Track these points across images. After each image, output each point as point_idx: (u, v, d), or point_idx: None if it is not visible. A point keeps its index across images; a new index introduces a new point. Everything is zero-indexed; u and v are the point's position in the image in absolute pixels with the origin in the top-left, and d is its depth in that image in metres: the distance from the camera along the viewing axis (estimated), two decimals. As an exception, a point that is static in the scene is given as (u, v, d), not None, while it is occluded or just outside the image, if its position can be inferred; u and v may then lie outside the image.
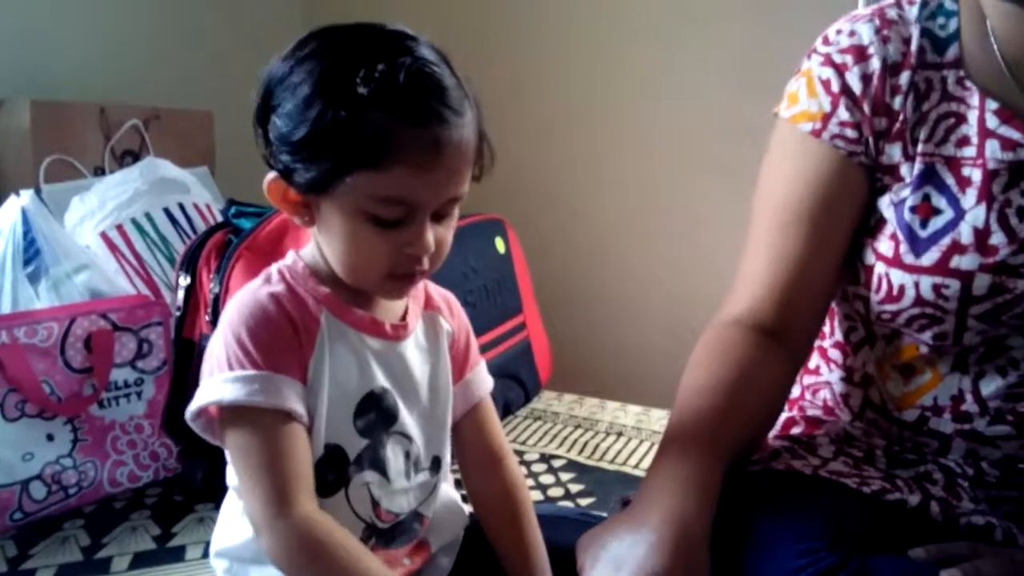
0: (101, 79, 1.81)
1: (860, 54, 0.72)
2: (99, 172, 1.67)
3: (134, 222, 1.50)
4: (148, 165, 1.59)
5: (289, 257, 0.69)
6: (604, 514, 0.88)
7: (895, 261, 0.71)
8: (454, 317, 0.76)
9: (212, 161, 1.82)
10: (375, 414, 0.67)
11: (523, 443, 1.35)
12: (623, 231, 1.81)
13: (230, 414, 0.61)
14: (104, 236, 1.47)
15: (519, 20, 1.89)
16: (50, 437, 1.15)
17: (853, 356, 0.79)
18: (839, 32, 0.74)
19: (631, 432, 1.39)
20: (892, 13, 0.72)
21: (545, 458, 1.30)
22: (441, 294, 0.76)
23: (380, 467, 0.67)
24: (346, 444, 0.66)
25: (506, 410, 1.43)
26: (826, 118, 0.73)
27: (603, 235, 1.83)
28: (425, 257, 0.63)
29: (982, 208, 0.68)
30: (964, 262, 0.68)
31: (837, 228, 0.73)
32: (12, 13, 1.69)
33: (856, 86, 0.72)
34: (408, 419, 0.69)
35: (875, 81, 0.71)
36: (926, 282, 0.69)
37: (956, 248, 0.68)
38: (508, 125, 1.84)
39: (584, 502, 1.15)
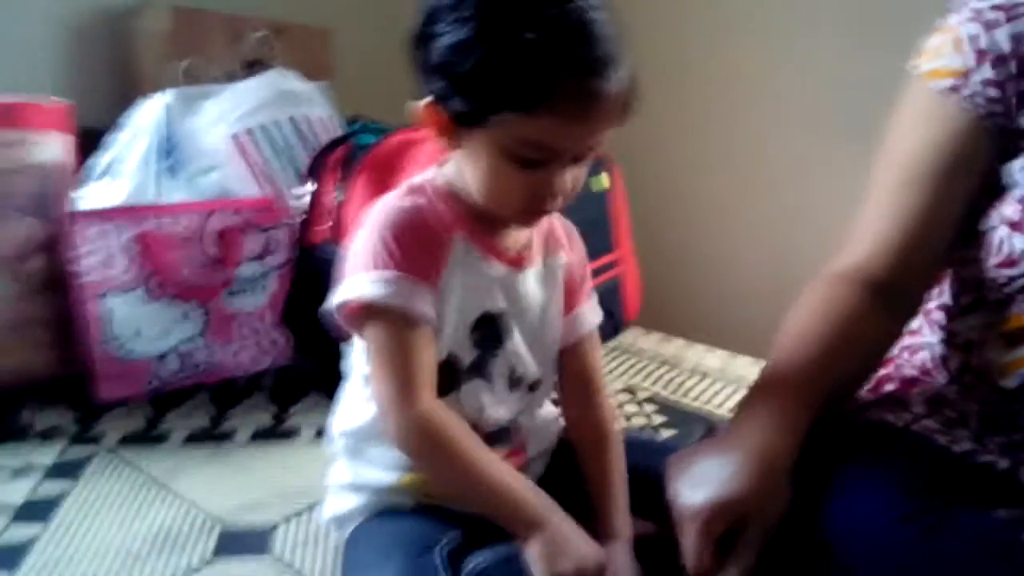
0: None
1: (1013, 11, 0.71)
2: (229, 78, 1.76)
3: (262, 128, 1.59)
4: (275, 76, 1.67)
5: (431, 172, 0.74)
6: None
7: (1019, 225, 0.71)
8: (574, 251, 0.81)
9: (331, 76, 1.90)
10: (489, 331, 0.74)
11: (609, 374, 1.41)
12: (727, 178, 1.82)
13: (370, 311, 0.68)
14: (235, 139, 1.56)
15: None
16: (185, 316, 1.26)
17: (958, 320, 0.80)
18: None
19: (715, 374, 1.43)
20: None
21: (629, 389, 1.35)
22: (565, 227, 0.81)
23: (488, 378, 0.75)
24: (462, 353, 0.73)
25: (595, 340, 1.49)
26: (968, 74, 0.73)
27: (706, 180, 1.84)
28: (557, 197, 0.67)
29: None
30: None
31: (960, 189, 0.74)
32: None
33: (1005, 44, 0.71)
34: (518, 340, 0.75)
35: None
36: None
37: None
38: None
39: (665, 433, 1.20)
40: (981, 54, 0.72)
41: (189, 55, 1.72)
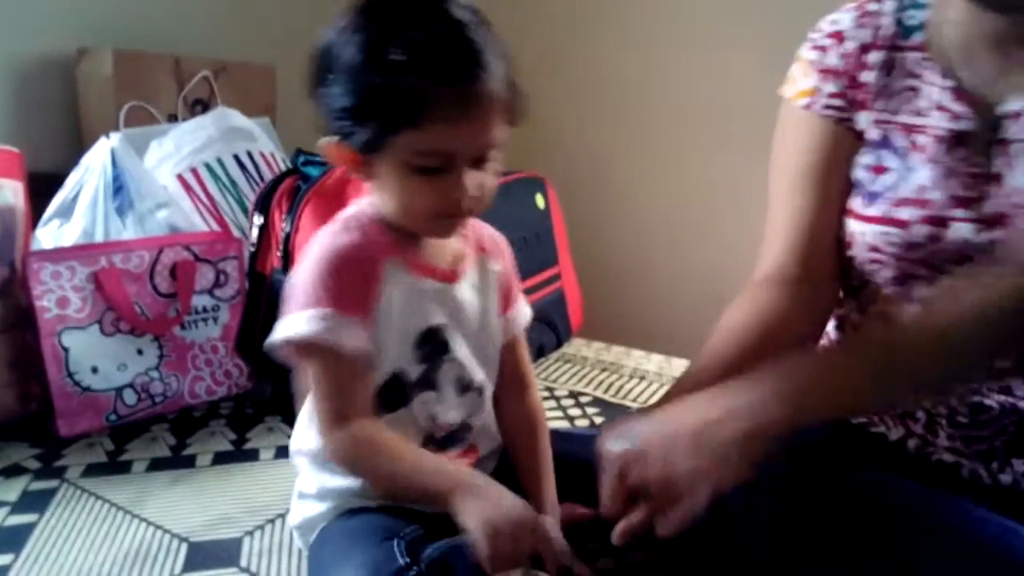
0: (174, 32, 1.94)
1: (839, 38, 0.85)
2: (172, 119, 1.81)
3: (207, 166, 1.64)
4: (219, 114, 1.73)
5: (357, 206, 0.80)
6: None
7: (853, 212, 0.83)
8: (503, 259, 0.88)
9: (273, 112, 1.96)
10: (432, 345, 0.80)
11: (554, 381, 1.49)
12: (654, 192, 1.92)
13: (305, 347, 0.73)
14: (180, 178, 1.61)
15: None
16: (140, 352, 1.31)
17: (843, 305, 0.91)
18: (825, 21, 0.87)
19: (653, 377, 1.52)
20: (872, 7, 0.85)
21: (573, 395, 1.43)
22: (492, 237, 0.88)
23: (436, 387, 0.81)
24: (408, 369, 0.79)
25: (540, 352, 1.57)
26: (816, 92, 0.86)
27: (636, 195, 1.95)
28: (465, 199, 0.73)
29: (927, 167, 0.79)
30: (905, 212, 0.79)
31: (837, 183, 0.85)
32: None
33: (834, 62, 0.85)
34: (460, 348, 0.81)
35: (850, 59, 0.84)
36: (873, 230, 0.81)
37: (901, 201, 0.80)
38: (551, 90, 1.96)
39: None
40: (821, 74, 0.85)
41: (133, 97, 1.76)
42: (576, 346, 1.67)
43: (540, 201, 1.58)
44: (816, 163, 0.85)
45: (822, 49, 0.86)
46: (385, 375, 0.78)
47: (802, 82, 0.87)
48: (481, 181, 0.73)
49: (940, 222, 0.78)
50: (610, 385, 1.48)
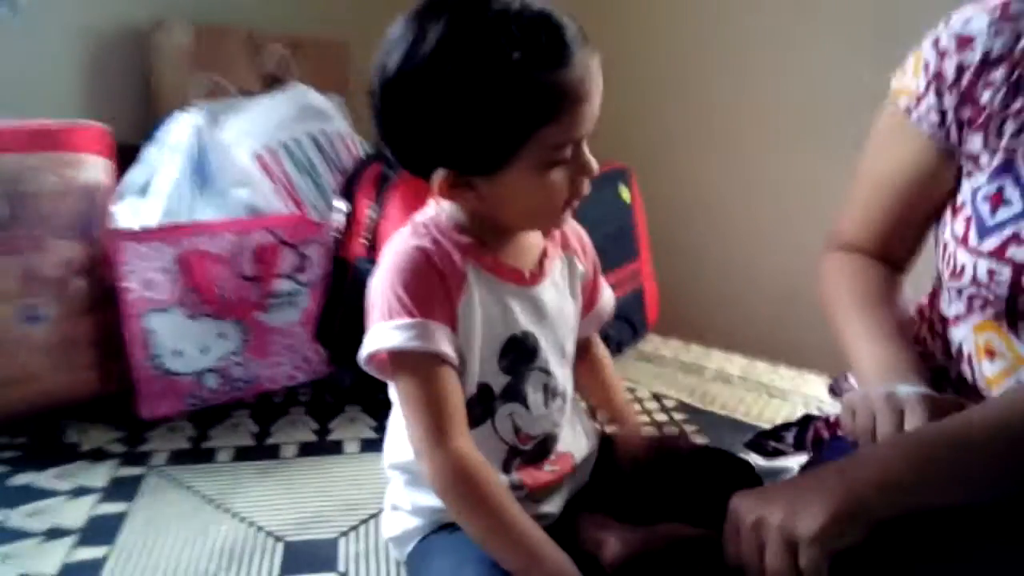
0: (249, 5, 1.91)
1: (965, 43, 0.75)
2: (245, 93, 1.78)
3: (285, 147, 1.61)
4: (295, 92, 1.70)
5: (431, 208, 0.75)
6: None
7: (963, 241, 0.76)
8: (587, 255, 0.83)
9: (346, 90, 1.92)
10: (517, 354, 0.75)
11: (635, 381, 1.45)
12: (737, 185, 1.86)
13: (394, 358, 0.70)
14: (259, 158, 1.58)
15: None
16: (222, 335, 1.28)
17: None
18: (959, 16, 0.77)
19: (737, 381, 1.47)
20: (1016, 8, 0.74)
21: (657, 397, 1.39)
22: (576, 233, 0.83)
23: (522, 399, 0.76)
24: (492, 381, 0.75)
25: (618, 348, 1.52)
26: (919, 99, 0.79)
27: (719, 189, 1.88)
28: (594, 175, 0.70)
29: None
30: (1019, 254, 0.72)
31: (921, 204, 0.81)
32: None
33: (950, 74, 0.76)
34: (547, 355, 0.77)
35: (968, 73, 0.75)
36: (983, 265, 0.74)
37: (1015, 239, 0.73)
38: (638, 79, 1.90)
39: (698, 441, 1.24)
40: (930, 81, 0.77)
41: (210, 70, 1.74)
42: (654, 343, 1.62)
43: (625, 193, 1.53)
44: (902, 178, 0.81)
45: (942, 52, 0.77)
46: (472, 390, 0.74)
47: (910, 79, 0.80)
48: (592, 158, 0.70)
49: None
50: (693, 389, 1.43)
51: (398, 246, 0.72)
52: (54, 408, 1.19)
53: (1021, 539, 0.69)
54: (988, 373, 0.79)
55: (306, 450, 1.16)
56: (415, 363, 0.69)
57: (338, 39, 1.94)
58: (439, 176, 0.68)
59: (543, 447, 0.80)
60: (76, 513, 0.98)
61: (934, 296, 0.88)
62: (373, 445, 1.15)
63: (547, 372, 0.78)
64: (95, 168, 1.23)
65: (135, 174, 1.46)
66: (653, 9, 1.92)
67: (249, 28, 1.80)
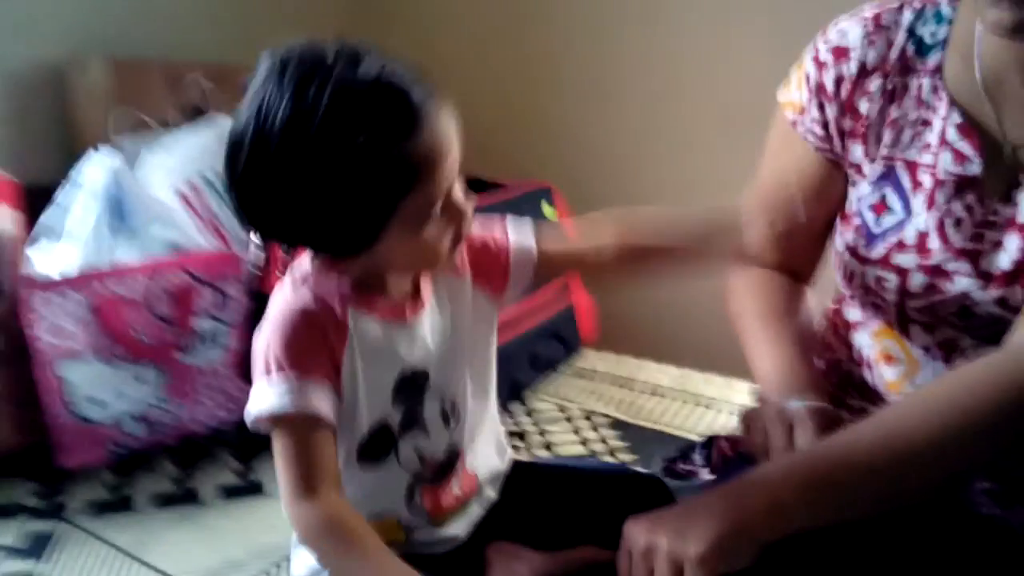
0: (167, 35, 1.89)
1: (842, 55, 0.78)
2: (165, 125, 1.76)
3: (206, 180, 1.59)
4: (217, 122, 1.68)
5: (308, 260, 0.73)
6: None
7: (852, 250, 0.78)
8: (460, 261, 0.78)
9: (272, 117, 1.91)
10: (410, 387, 0.74)
11: (567, 400, 1.45)
12: (665, 198, 1.87)
13: (268, 419, 0.68)
14: (181, 193, 1.56)
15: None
16: (140, 379, 1.27)
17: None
18: (835, 29, 0.79)
19: (668, 392, 1.48)
20: (887, 18, 0.77)
21: (588, 415, 1.40)
22: None
23: (421, 426, 0.75)
24: (389, 418, 0.74)
25: (549, 365, 1.53)
26: (803, 111, 0.80)
27: (647, 201, 1.89)
28: (469, 215, 0.70)
29: (928, 214, 0.74)
30: (904, 260, 0.74)
31: (815, 214, 0.82)
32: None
33: (829, 86, 0.78)
34: (439, 379, 0.76)
35: (846, 84, 0.77)
36: (871, 273, 0.76)
37: (900, 246, 0.75)
38: (558, 94, 1.90)
39: (624, 458, 1.25)
40: (812, 94, 0.79)
41: (129, 105, 1.71)
42: (589, 359, 1.63)
43: (548, 211, 1.53)
44: (796, 187, 0.82)
45: (821, 65, 0.79)
46: (366, 430, 0.73)
47: (795, 92, 0.82)
48: (463, 193, 0.70)
49: (940, 273, 0.73)
50: (626, 403, 1.44)
51: (279, 303, 0.71)
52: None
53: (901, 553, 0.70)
54: (888, 378, 0.81)
55: (227, 493, 1.15)
56: (289, 423, 0.68)
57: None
58: (310, 266, 0.69)
59: (448, 465, 0.80)
60: (-18, 575, 0.96)
61: (840, 302, 0.89)
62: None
63: (443, 392, 0.77)
64: (3, 218, 1.21)
65: (50, 217, 1.43)
66: (576, 17, 1.93)
67: (168, 60, 1.78)
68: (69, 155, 1.66)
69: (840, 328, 0.88)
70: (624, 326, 1.75)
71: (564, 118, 1.90)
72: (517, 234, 0.83)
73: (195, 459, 1.25)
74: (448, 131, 0.66)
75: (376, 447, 0.74)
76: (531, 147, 1.91)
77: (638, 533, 0.68)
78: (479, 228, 0.82)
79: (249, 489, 1.16)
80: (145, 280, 1.27)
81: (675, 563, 0.64)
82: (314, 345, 0.69)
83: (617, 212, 0.81)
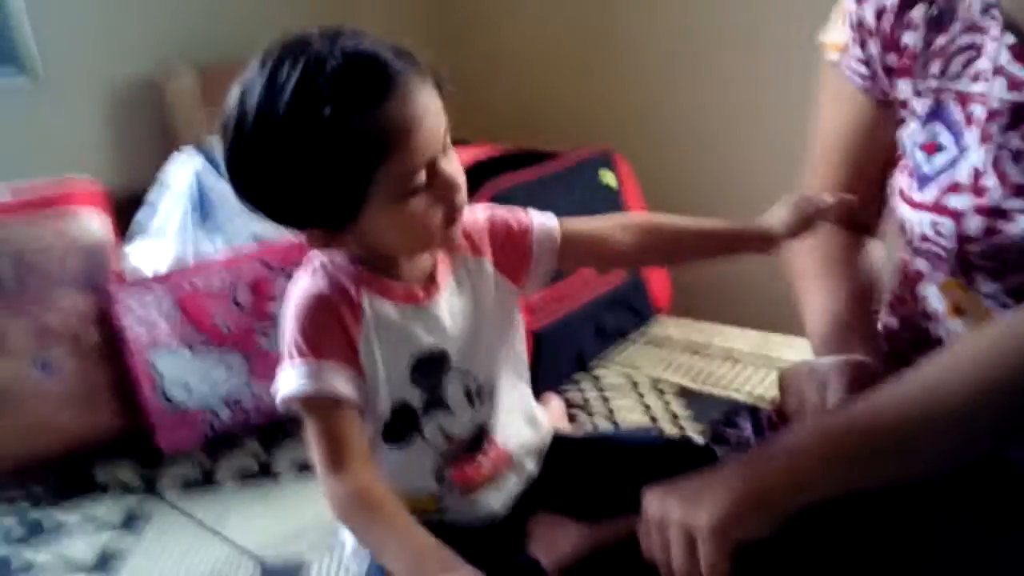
0: (247, 41, 1.98)
1: None
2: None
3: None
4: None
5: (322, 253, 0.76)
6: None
7: (904, 196, 0.73)
8: (481, 243, 0.80)
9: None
10: (428, 367, 0.77)
11: (635, 367, 1.43)
12: (735, 156, 1.80)
13: (295, 401, 0.73)
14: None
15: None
16: (229, 367, 1.36)
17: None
18: None
19: (746, 358, 1.43)
20: None
21: (654, 381, 1.37)
22: (470, 225, 0.80)
23: (445, 406, 0.78)
24: (410, 397, 0.77)
25: (621, 334, 1.51)
26: (844, 50, 0.77)
27: (716, 160, 1.83)
28: (460, 191, 0.71)
29: (983, 148, 0.68)
30: (958, 201, 0.69)
31: (870, 160, 0.79)
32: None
33: (870, 20, 0.74)
34: (461, 358, 0.78)
35: (888, 15, 0.72)
36: (925, 219, 0.71)
37: (955, 187, 0.69)
38: (621, 57, 1.86)
39: (689, 427, 1.22)
40: (853, 30, 0.75)
41: (218, 107, 1.82)
42: (664, 325, 1.59)
43: (608, 178, 1.50)
44: (846, 132, 0.79)
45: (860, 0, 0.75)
46: (387, 409, 0.76)
47: (836, 32, 0.78)
48: (455, 166, 0.71)
49: (999, 213, 0.67)
50: (697, 370, 1.40)
51: (297, 289, 0.75)
52: (82, 450, 1.30)
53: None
54: (961, 332, 0.76)
55: (300, 467, 1.23)
56: (312, 405, 0.73)
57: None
58: (305, 236, 0.72)
59: (475, 441, 0.81)
60: (88, 548, 1.08)
61: (908, 253, 0.84)
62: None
63: (465, 373, 0.79)
64: (92, 223, 1.33)
65: (143, 216, 1.56)
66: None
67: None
68: (166, 159, 1.79)
69: (911, 280, 0.83)
70: (702, 292, 1.70)
71: (634, 85, 1.86)
72: (541, 217, 0.83)
73: (277, 438, 1.33)
74: (422, 100, 0.67)
75: (399, 427, 0.77)
76: (604, 111, 1.88)
77: (652, 502, 0.67)
78: (503, 212, 0.83)
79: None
80: (227, 274, 1.36)
81: (687, 533, 0.63)
82: (330, 329, 0.73)
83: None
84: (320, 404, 0.72)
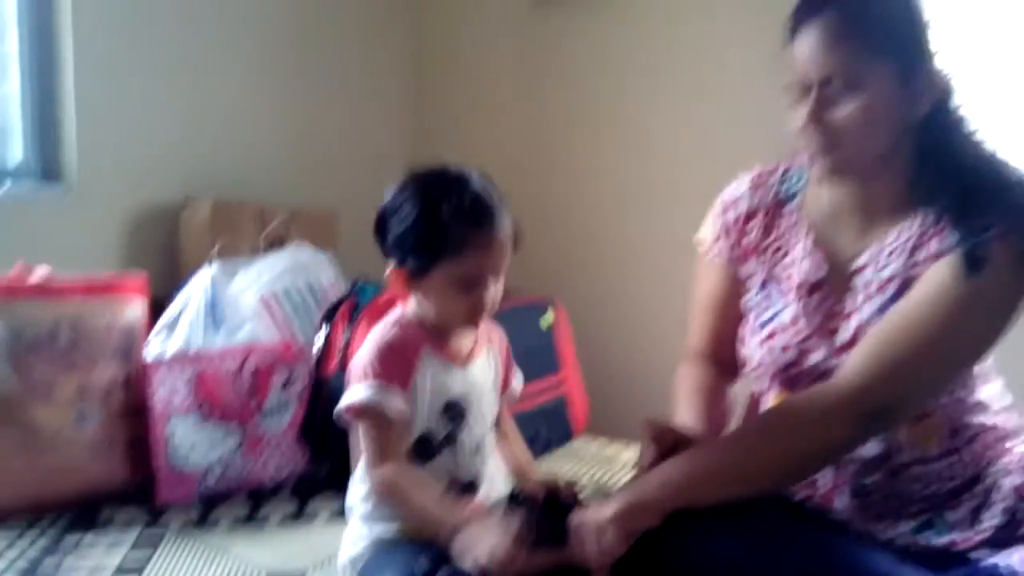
0: (258, 183, 2.38)
1: (733, 204, 1.15)
2: (254, 253, 2.21)
3: (284, 292, 2.03)
4: (293, 250, 2.13)
5: (400, 310, 1.12)
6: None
7: (747, 337, 1.12)
8: (502, 352, 1.18)
9: (334, 248, 2.36)
10: (454, 412, 1.08)
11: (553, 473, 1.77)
12: (656, 307, 2.23)
13: (360, 409, 1.03)
14: (263, 300, 1.99)
15: (575, 138, 2.38)
16: (225, 436, 1.64)
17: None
18: (732, 184, 1.17)
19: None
20: (765, 176, 1.15)
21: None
22: (498, 336, 1.18)
23: (457, 447, 1.08)
24: (435, 431, 1.07)
25: (546, 447, 1.86)
26: (713, 244, 1.17)
27: (640, 313, 2.25)
28: (488, 307, 1.05)
29: (794, 306, 1.07)
30: (780, 340, 1.07)
31: (729, 315, 1.17)
32: (199, 130, 2.29)
33: (726, 225, 1.15)
34: (474, 416, 1.10)
35: (739, 222, 1.14)
36: (759, 351, 1.09)
37: (777, 331, 1.08)
38: (564, 223, 2.31)
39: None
40: (718, 229, 1.17)
41: (225, 237, 2.17)
42: (581, 443, 1.96)
43: (546, 321, 1.92)
44: (715, 300, 1.18)
45: (721, 210, 1.17)
46: (418, 434, 1.06)
47: (707, 231, 1.19)
48: (496, 290, 1.06)
49: (803, 348, 1.06)
50: (607, 476, 1.76)
51: (377, 334, 1.08)
52: (92, 496, 1.53)
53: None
54: None
55: (288, 520, 1.49)
56: (372, 413, 1.03)
57: (328, 209, 2.40)
58: (392, 267, 1.05)
59: (470, 489, 1.10)
60: (112, 558, 1.31)
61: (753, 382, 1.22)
62: (341, 516, 1.46)
63: (474, 429, 1.09)
64: (136, 307, 1.64)
65: (166, 317, 1.86)
66: (578, 165, 2.37)
67: (258, 202, 2.26)
68: (178, 275, 2.10)
69: (755, 399, 1.23)
70: (618, 417, 2.06)
71: (574, 246, 2.29)
72: (519, 377, 1.22)
73: (264, 500, 1.60)
74: (499, 246, 1.03)
75: (422, 451, 1.06)
76: (550, 266, 2.28)
77: (576, 517, 1.01)
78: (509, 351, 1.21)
79: (306, 518, 1.49)
80: (236, 359, 1.67)
81: (597, 526, 0.98)
82: (397, 364, 1.04)
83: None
84: (378, 413, 1.01)
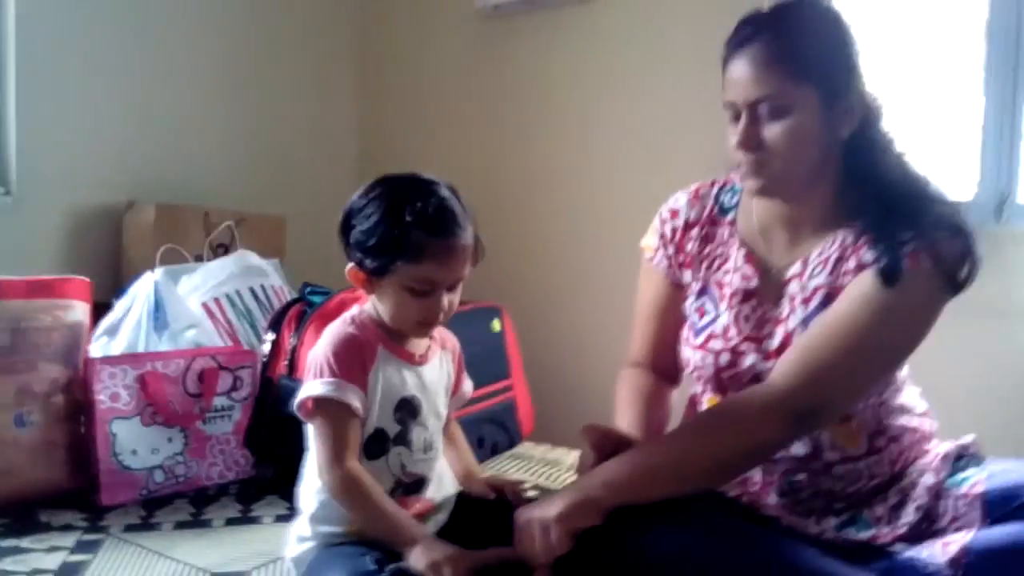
0: (204, 187, 2.37)
1: (675, 214, 1.22)
2: (199, 259, 2.20)
3: (227, 297, 2.02)
4: (239, 255, 2.13)
5: (357, 308, 1.14)
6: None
7: (686, 342, 1.19)
8: (455, 354, 1.22)
9: (283, 254, 2.36)
10: (406, 410, 1.11)
11: (502, 473, 1.81)
12: (595, 319, 2.30)
13: (315, 403, 1.05)
14: (205, 306, 1.98)
15: (521, 148, 2.44)
16: (169, 440, 1.63)
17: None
18: (673, 197, 1.23)
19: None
20: (703, 190, 1.22)
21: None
22: (451, 340, 1.22)
23: (407, 444, 1.11)
24: (387, 428, 1.10)
25: (493, 450, 1.89)
26: (655, 251, 1.23)
27: (582, 321, 2.31)
28: (440, 313, 1.08)
29: (728, 313, 1.14)
30: (715, 344, 1.14)
31: (669, 323, 1.23)
32: (144, 135, 2.27)
33: (668, 234, 1.22)
34: (426, 415, 1.13)
35: (679, 232, 1.21)
36: (696, 355, 1.16)
37: (712, 336, 1.14)
38: (510, 234, 2.36)
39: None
40: (659, 239, 1.23)
41: (168, 241, 2.16)
42: (527, 447, 1.99)
43: (495, 326, 1.96)
44: (656, 305, 1.24)
45: (663, 221, 1.23)
46: (371, 430, 1.09)
47: (651, 239, 1.24)
48: (451, 301, 1.09)
49: (736, 353, 1.12)
50: (550, 477, 1.80)
51: (335, 328, 1.10)
52: (31, 499, 1.50)
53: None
54: None
55: (232, 522, 1.49)
56: (328, 407, 1.04)
57: (276, 214, 2.40)
58: (351, 266, 1.07)
59: (417, 487, 1.13)
60: (50, 561, 1.29)
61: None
62: (286, 519, 1.48)
63: (425, 428, 1.13)
64: (79, 311, 1.62)
65: (108, 320, 1.84)
66: (523, 175, 2.43)
67: (204, 206, 2.24)
68: (121, 279, 2.08)
69: (694, 401, 1.28)
70: (562, 423, 2.11)
71: (522, 255, 2.35)
72: (469, 382, 1.26)
73: (207, 503, 1.59)
74: (459, 259, 1.06)
75: (374, 447, 1.09)
76: (496, 275, 2.33)
77: (521, 514, 1.04)
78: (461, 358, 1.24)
79: (250, 520, 1.49)
80: (181, 362, 1.67)
81: (543, 524, 1.01)
82: (352, 360, 1.06)
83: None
84: (333, 408, 1.03)
